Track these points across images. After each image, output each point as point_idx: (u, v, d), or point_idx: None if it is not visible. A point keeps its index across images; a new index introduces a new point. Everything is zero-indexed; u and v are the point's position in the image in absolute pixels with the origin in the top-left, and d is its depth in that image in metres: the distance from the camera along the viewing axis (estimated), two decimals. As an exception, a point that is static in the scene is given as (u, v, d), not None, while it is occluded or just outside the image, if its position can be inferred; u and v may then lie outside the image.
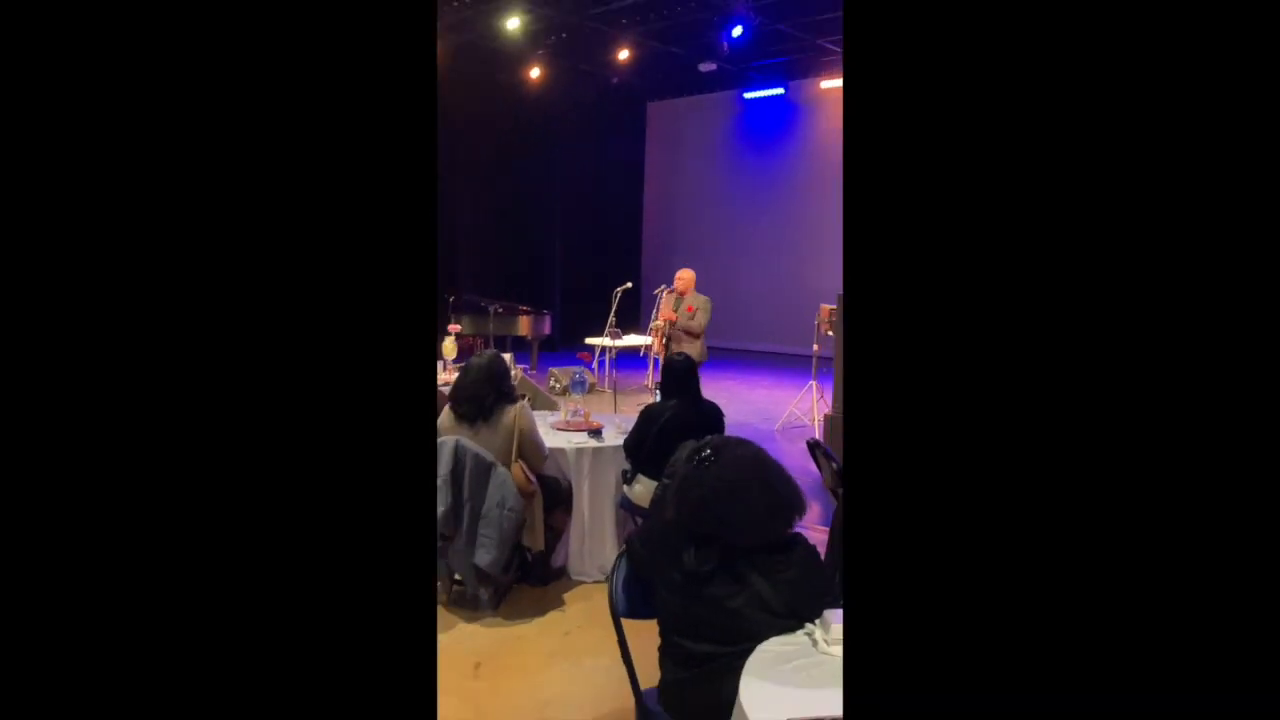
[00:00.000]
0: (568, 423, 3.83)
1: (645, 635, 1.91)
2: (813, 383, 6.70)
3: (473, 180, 11.45)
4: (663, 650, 1.84)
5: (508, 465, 3.12)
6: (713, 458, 1.75)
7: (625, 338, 7.35)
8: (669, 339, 6.13)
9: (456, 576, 3.18)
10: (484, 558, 3.04)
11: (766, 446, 1.88)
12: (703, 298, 6.07)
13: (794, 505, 1.75)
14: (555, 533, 3.41)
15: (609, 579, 1.97)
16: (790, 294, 11.09)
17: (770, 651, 1.61)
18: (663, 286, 6.76)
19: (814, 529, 1.85)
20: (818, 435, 5.92)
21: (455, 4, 8.29)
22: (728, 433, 3.41)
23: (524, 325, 9.31)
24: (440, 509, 3.02)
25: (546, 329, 9.60)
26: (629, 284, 7.09)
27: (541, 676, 2.73)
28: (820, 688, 1.44)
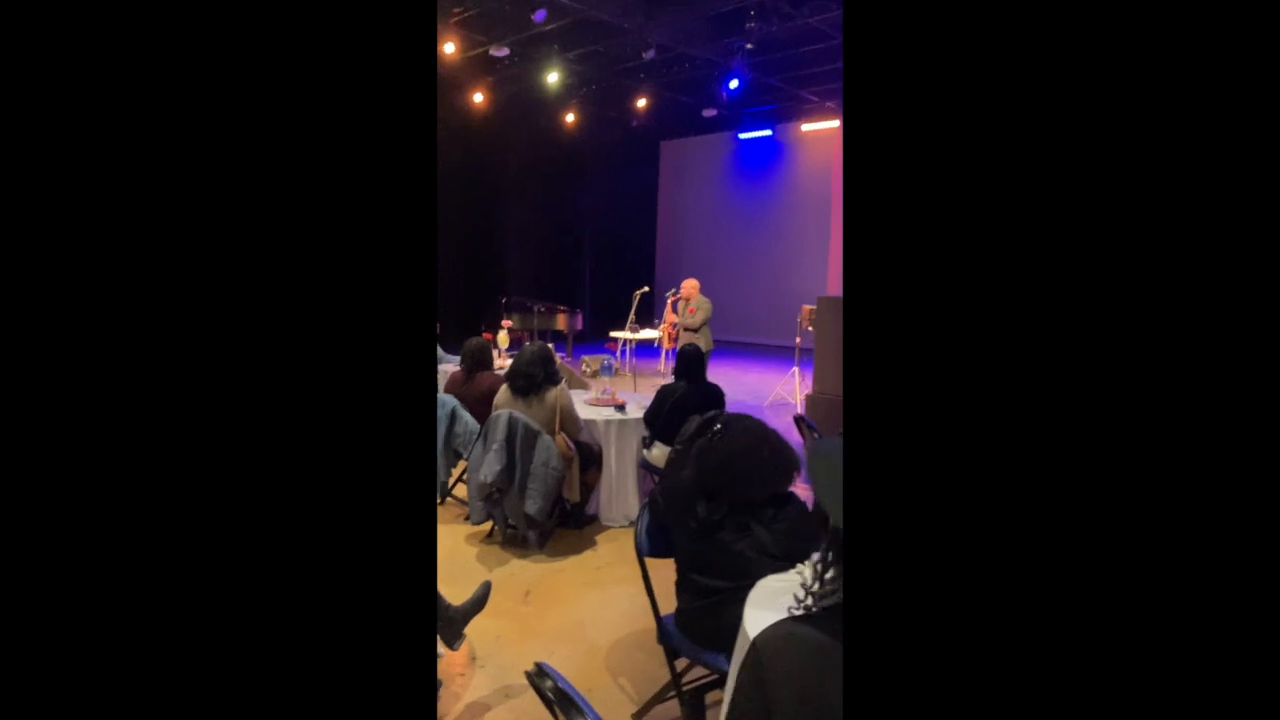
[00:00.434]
0: (598, 399, 3.81)
1: (663, 571, 1.90)
2: (795, 369, 6.67)
3: (520, 206, 11.45)
4: (679, 584, 1.83)
5: (552, 434, 3.12)
6: (723, 430, 1.74)
7: (642, 332, 7.34)
8: (677, 335, 6.15)
9: (510, 522, 3.18)
10: (532, 506, 3.04)
11: (760, 419, 1.88)
12: (704, 300, 6.10)
13: (793, 465, 1.74)
14: (589, 487, 3.40)
15: (634, 526, 1.96)
16: (776, 297, 11.03)
17: (767, 587, 1.58)
18: (672, 290, 6.75)
19: (801, 486, 1.82)
20: (800, 411, 5.90)
21: (506, 62, 8.25)
22: (727, 409, 3.40)
23: (561, 321, 9.30)
24: (497, 468, 3.02)
25: (579, 324, 9.58)
26: (646, 288, 7.06)
27: (578, 602, 2.72)
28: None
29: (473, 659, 2.27)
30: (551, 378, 3.22)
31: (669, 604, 1.89)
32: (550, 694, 1.12)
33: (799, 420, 3.34)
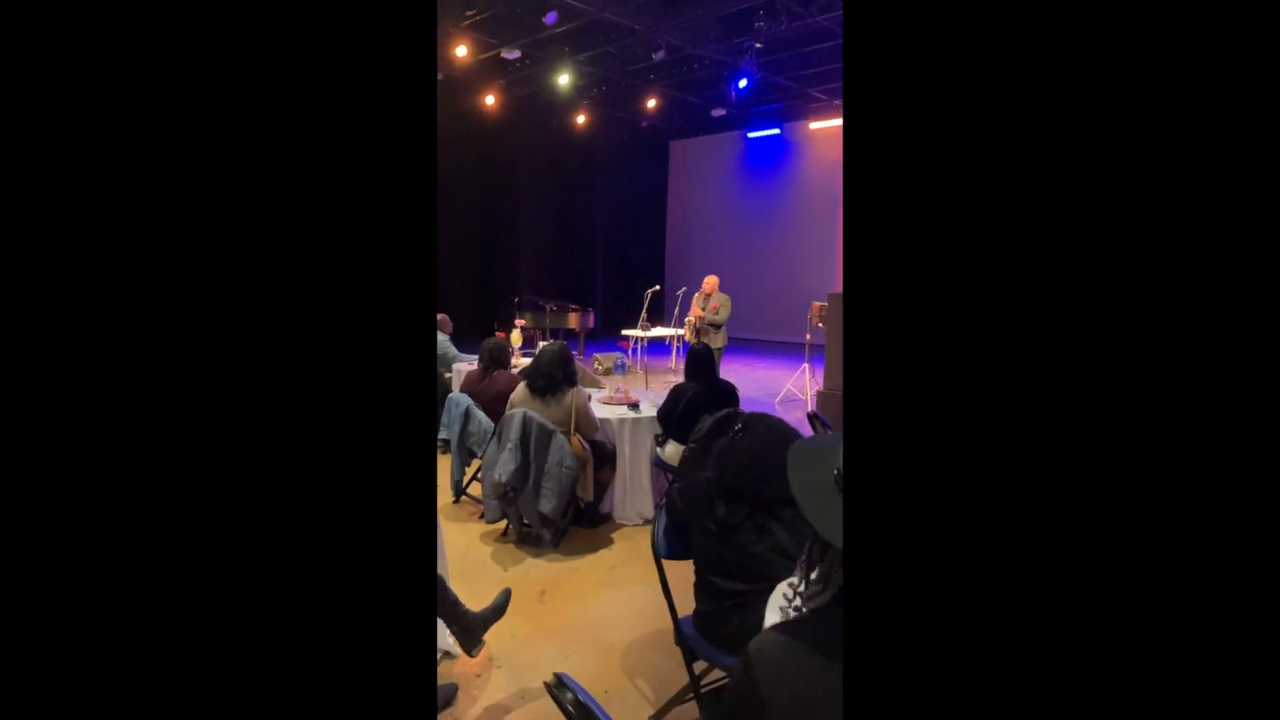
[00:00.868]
0: (612, 398, 3.76)
1: (679, 572, 1.85)
2: (806, 365, 6.59)
3: (532, 206, 11.41)
4: (697, 586, 1.78)
5: (567, 434, 3.08)
6: (744, 429, 1.68)
7: (653, 330, 7.28)
8: (699, 330, 6.16)
9: (525, 520, 3.14)
10: (546, 505, 3.00)
11: (778, 418, 1.83)
12: (724, 297, 6.12)
13: None
14: (603, 486, 3.36)
15: (649, 524, 1.91)
16: (786, 294, 10.94)
17: (786, 590, 1.53)
18: (684, 288, 6.70)
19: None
20: (811, 407, 5.83)
21: (517, 64, 8.20)
22: (740, 406, 3.34)
23: (573, 320, 9.25)
24: (511, 467, 2.98)
25: (591, 323, 9.53)
26: (657, 286, 7.00)
27: (593, 601, 2.67)
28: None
29: (489, 660, 2.22)
30: (570, 378, 3.18)
31: (685, 604, 1.84)
32: (571, 707, 1.07)
33: (813, 417, 3.28)
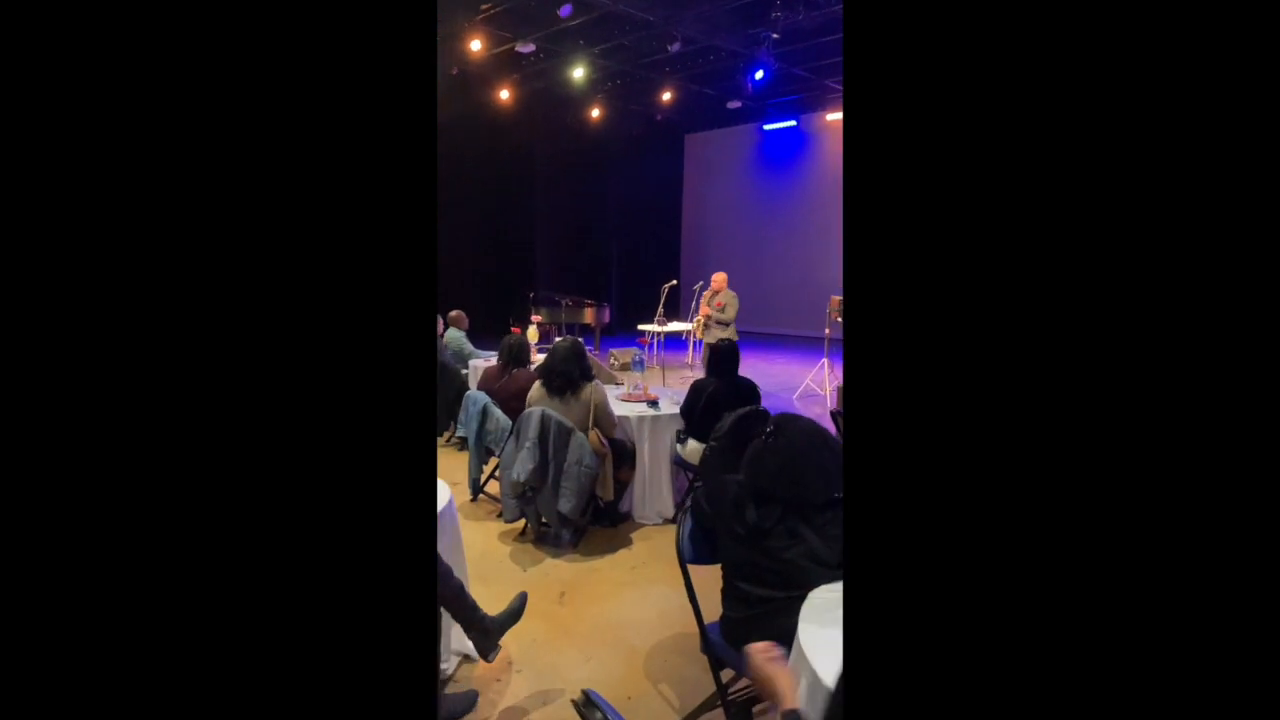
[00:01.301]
0: (630, 395, 3.70)
1: (703, 576, 1.78)
2: (825, 360, 6.49)
3: (546, 201, 11.36)
4: (725, 592, 1.71)
5: (585, 431, 3.02)
6: (776, 431, 1.61)
7: (669, 325, 7.22)
8: (706, 327, 6.20)
9: (544, 520, 3.09)
10: (565, 505, 2.94)
11: (788, 410, 1.76)
12: (731, 294, 6.12)
13: None
14: (622, 485, 3.30)
15: (669, 523, 1.84)
16: (803, 287, 10.83)
17: (821, 599, 1.46)
18: (700, 283, 6.64)
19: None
20: (833, 404, 5.75)
21: (532, 58, 8.14)
22: (760, 403, 3.27)
23: (589, 315, 9.20)
24: (530, 466, 2.93)
25: (606, 318, 9.47)
26: (674, 281, 6.93)
27: (615, 603, 2.62)
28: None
29: (509, 664, 2.18)
30: (586, 373, 3.12)
31: (711, 610, 1.77)
32: (600, 727, 1.01)
33: (836, 416, 3.21)
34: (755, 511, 1.58)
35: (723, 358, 3.37)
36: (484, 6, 6.87)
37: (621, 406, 3.49)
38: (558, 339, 3.38)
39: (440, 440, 4.93)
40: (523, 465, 2.94)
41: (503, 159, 10.57)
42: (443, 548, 1.95)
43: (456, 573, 1.96)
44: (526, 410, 3.06)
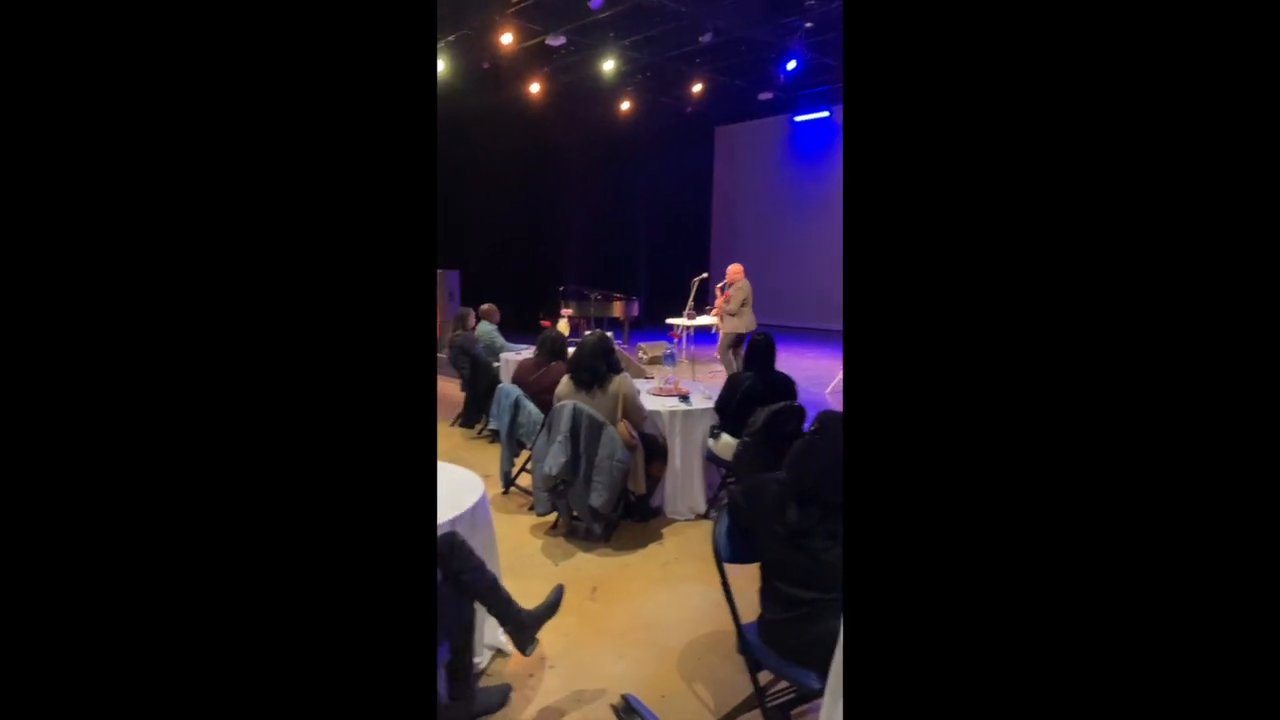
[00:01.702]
0: (661, 389, 3.66)
1: (738, 576, 1.74)
2: (857, 355, 6.38)
3: (576, 194, 11.35)
4: (763, 593, 1.67)
5: (615, 425, 2.99)
6: (822, 430, 1.56)
7: (699, 318, 7.16)
8: (721, 317, 6.33)
9: (575, 514, 3.07)
10: (597, 499, 2.92)
11: (823, 406, 1.70)
12: (742, 285, 6.14)
13: None
14: (654, 479, 3.26)
15: (700, 519, 1.80)
16: (835, 281, 10.66)
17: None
18: (710, 277, 6.62)
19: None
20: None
21: (562, 51, 8.11)
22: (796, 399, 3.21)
23: (617, 308, 9.17)
24: (562, 460, 2.91)
25: (635, 311, 9.44)
26: (705, 274, 6.86)
27: (647, 601, 2.58)
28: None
29: (542, 660, 2.16)
30: (614, 367, 3.09)
31: (747, 612, 1.73)
32: (642, 734, 0.98)
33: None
34: (797, 512, 1.53)
35: (759, 352, 3.31)
36: (514, 0, 6.85)
37: (653, 401, 3.45)
38: (586, 333, 3.35)
39: (471, 432, 4.95)
40: (555, 459, 2.92)
41: (532, 152, 10.57)
42: (476, 542, 1.94)
43: (490, 566, 1.94)
44: (558, 404, 3.04)
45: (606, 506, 2.94)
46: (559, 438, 2.94)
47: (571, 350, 3.62)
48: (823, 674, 1.35)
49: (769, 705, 1.71)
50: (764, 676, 1.72)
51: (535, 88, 9.16)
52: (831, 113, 11.00)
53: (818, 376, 7.00)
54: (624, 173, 11.73)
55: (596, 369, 3.01)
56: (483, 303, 5.64)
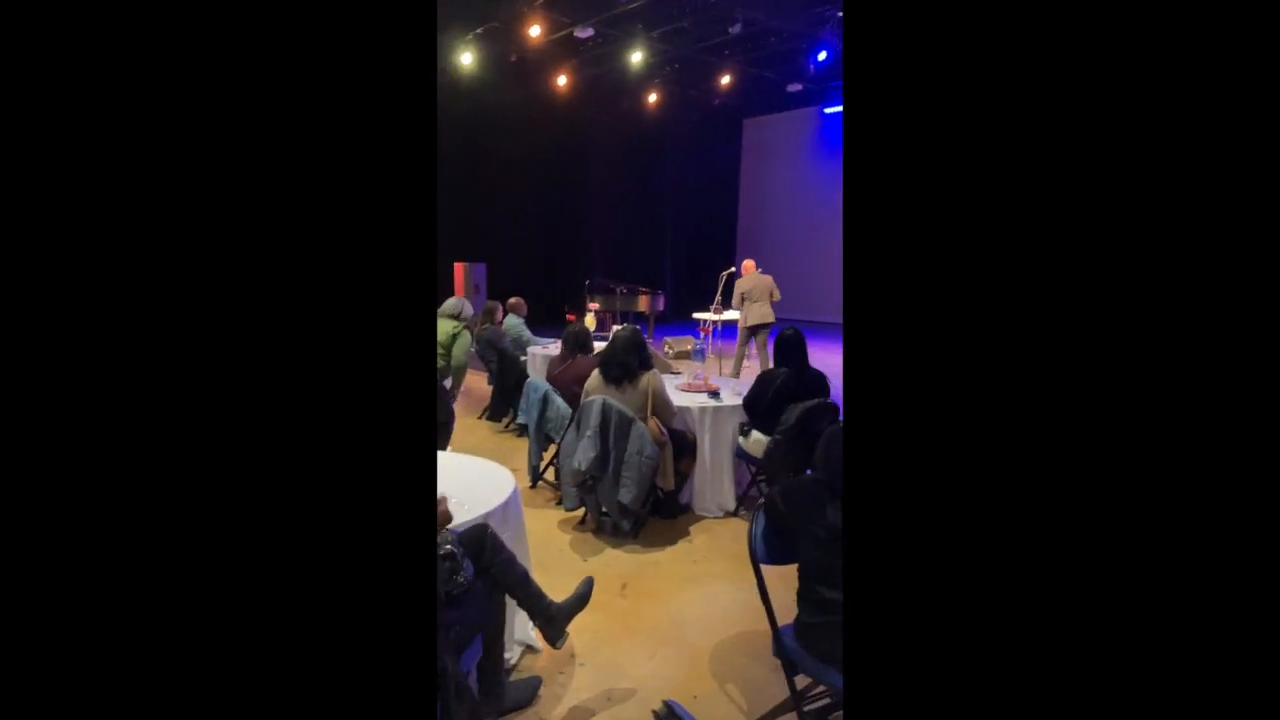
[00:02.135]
0: (691, 385, 3.63)
1: (771, 576, 1.70)
2: (888, 351, 6.29)
3: (602, 188, 11.32)
4: (801, 595, 1.63)
5: (644, 420, 2.96)
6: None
7: (725, 313, 7.10)
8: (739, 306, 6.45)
9: (604, 510, 3.06)
10: (626, 495, 2.90)
11: None
12: (750, 278, 6.23)
13: None
14: (682, 476, 3.24)
15: (748, 529, 1.77)
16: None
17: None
18: (761, 270, 6.55)
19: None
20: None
21: (590, 43, 8.07)
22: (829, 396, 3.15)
23: (643, 303, 9.14)
24: (591, 455, 2.89)
25: (660, 305, 9.40)
26: (732, 269, 6.79)
27: (677, 599, 2.56)
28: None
29: (572, 656, 2.15)
30: (645, 363, 3.06)
31: (780, 610, 1.69)
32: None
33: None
34: (837, 512, 1.49)
35: (790, 347, 3.25)
36: (544, -9, 6.83)
37: (682, 397, 3.42)
38: (617, 328, 3.33)
39: (499, 426, 4.96)
40: (584, 454, 2.91)
41: (559, 145, 10.56)
42: (507, 536, 1.93)
43: (520, 561, 1.93)
44: (587, 399, 3.03)
45: (635, 502, 2.92)
46: (588, 433, 2.93)
47: (599, 345, 3.61)
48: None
49: (805, 710, 1.67)
50: (800, 680, 1.68)
51: (562, 80, 9.14)
52: (862, 105, 10.84)
53: (847, 373, 6.91)
54: (651, 166, 11.68)
55: (628, 364, 2.99)
56: (510, 296, 5.65)
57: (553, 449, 3.51)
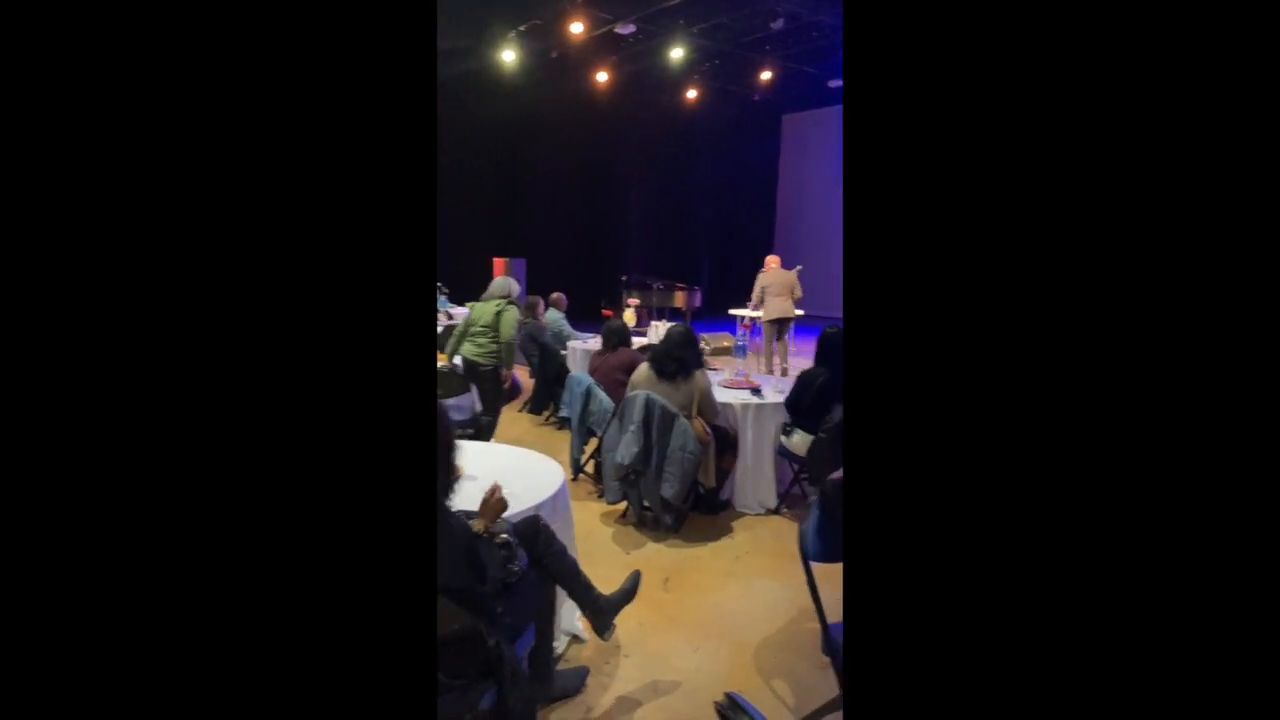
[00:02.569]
0: (732, 382, 3.63)
1: (818, 575, 1.70)
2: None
3: (640, 184, 11.34)
4: (854, 593, 1.63)
5: (689, 417, 2.98)
6: None
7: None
8: (759, 303, 6.46)
9: (645, 504, 3.08)
10: (668, 490, 2.92)
11: None
12: (771, 274, 6.23)
13: None
14: (724, 472, 3.24)
15: (799, 526, 1.76)
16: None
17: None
18: (799, 267, 6.52)
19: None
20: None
21: (631, 39, 8.08)
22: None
23: (680, 299, 9.14)
24: (634, 449, 2.92)
25: (697, 302, 9.39)
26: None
27: (719, 594, 2.57)
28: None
29: (617, 647, 2.17)
30: (697, 360, 3.08)
31: (827, 607, 1.69)
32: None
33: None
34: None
35: (832, 347, 3.23)
36: (587, -12, 6.86)
37: (724, 393, 3.42)
38: (670, 324, 3.34)
39: (539, 418, 5.02)
40: (627, 448, 2.93)
41: (597, 142, 10.60)
42: (555, 527, 1.95)
43: (570, 554, 1.96)
44: (631, 393, 3.05)
45: (678, 497, 2.94)
46: (631, 427, 2.95)
47: (637, 340, 3.63)
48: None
49: (855, 708, 1.67)
50: (849, 678, 1.68)
51: (602, 77, 9.17)
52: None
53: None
54: (689, 161, 11.66)
55: (684, 360, 3.02)
56: (548, 291, 5.71)
57: (594, 442, 3.55)
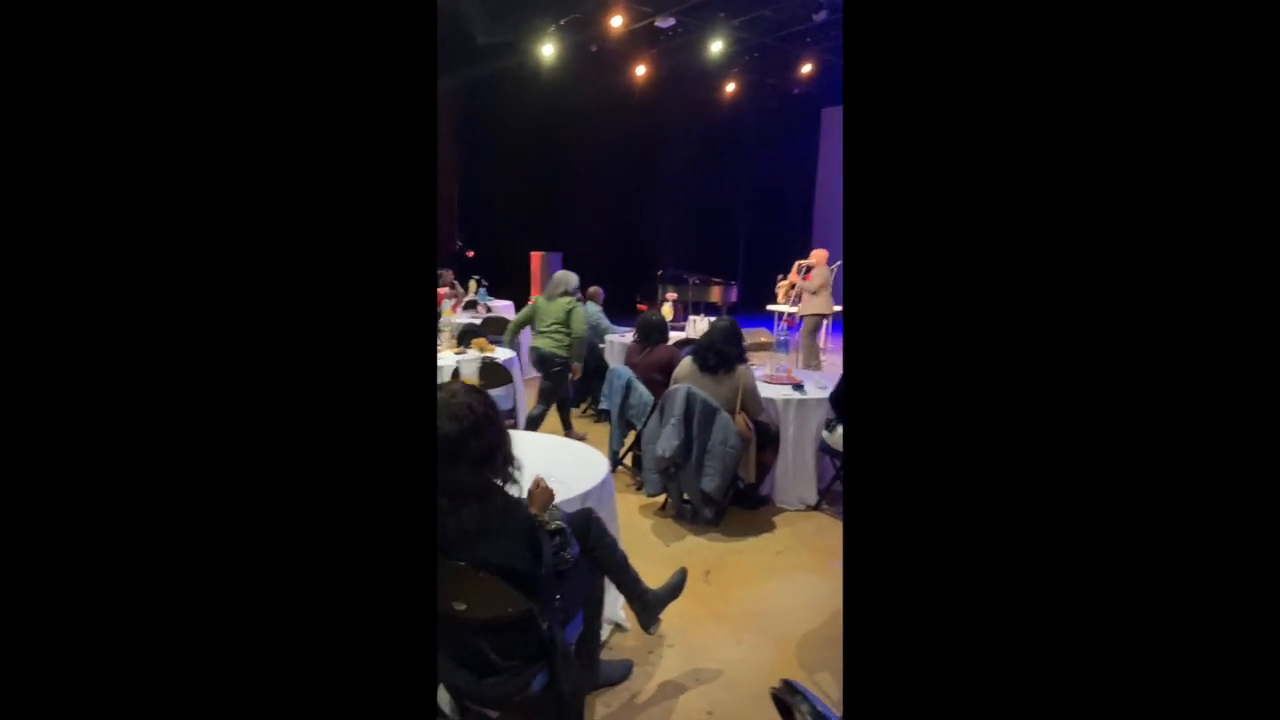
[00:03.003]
0: (774, 377, 3.62)
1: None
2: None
3: (677, 178, 11.32)
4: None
5: (732, 412, 2.98)
6: None
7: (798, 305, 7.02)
8: (798, 295, 6.42)
9: (685, 497, 3.10)
10: (709, 484, 2.94)
11: None
12: (822, 270, 6.18)
13: None
14: (765, 468, 3.24)
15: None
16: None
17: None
18: (838, 263, 6.45)
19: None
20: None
21: (670, 33, 8.07)
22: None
23: (715, 293, 9.12)
24: (675, 443, 2.93)
25: (733, 296, 9.36)
26: (811, 261, 6.70)
27: (760, 588, 2.58)
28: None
29: (661, 638, 2.20)
30: (741, 355, 3.09)
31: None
32: (809, 718, 0.98)
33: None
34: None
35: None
36: (628, -19, 6.86)
37: (766, 388, 3.42)
38: (714, 319, 3.35)
39: (576, 411, 5.07)
40: (667, 441, 2.95)
41: (635, 135, 10.61)
42: (602, 516, 1.99)
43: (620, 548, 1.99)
44: (672, 387, 3.06)
45: (718, 491, 2.95)
46: (672, 420, 2.97)
47: (674, 335, 3.64)
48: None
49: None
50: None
51: (641, 70, 9.17)
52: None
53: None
54: (726, 155, 11.60)
55: (728, 354, 3.02)
56: (586, 285, 5.74)
57: (633, 434, 3.58)
